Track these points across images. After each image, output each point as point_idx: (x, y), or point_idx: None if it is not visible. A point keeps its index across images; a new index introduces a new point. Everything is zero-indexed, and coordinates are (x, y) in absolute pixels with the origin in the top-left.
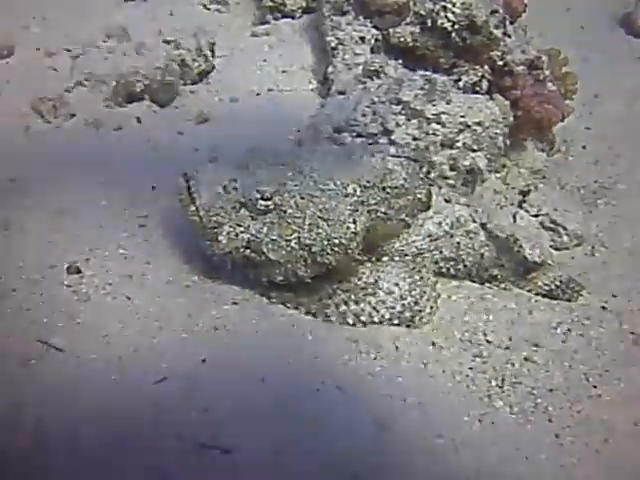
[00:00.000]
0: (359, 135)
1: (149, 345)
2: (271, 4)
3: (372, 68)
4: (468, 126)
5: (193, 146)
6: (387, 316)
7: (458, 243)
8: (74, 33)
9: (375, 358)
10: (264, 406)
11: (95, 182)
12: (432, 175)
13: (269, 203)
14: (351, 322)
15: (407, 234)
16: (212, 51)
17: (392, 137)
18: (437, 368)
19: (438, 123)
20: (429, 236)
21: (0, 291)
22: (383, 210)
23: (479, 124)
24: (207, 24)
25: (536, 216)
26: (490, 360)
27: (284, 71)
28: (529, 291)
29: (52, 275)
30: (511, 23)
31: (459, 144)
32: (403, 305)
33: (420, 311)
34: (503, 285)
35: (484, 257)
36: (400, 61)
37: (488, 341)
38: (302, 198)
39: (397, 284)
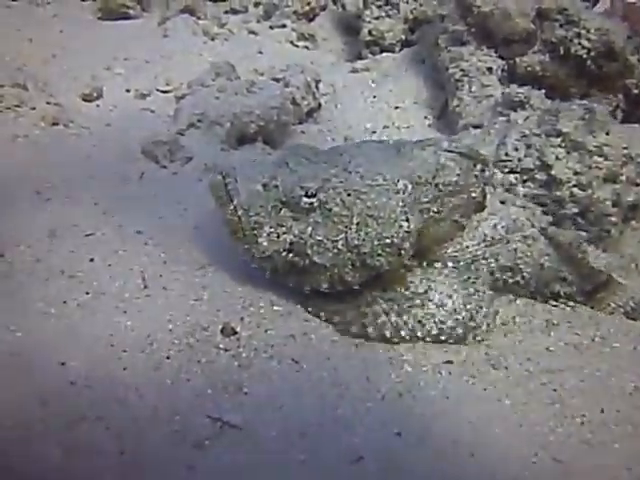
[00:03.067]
0: (512, 171)
1: (333, 417)
2: (369, 38)
3: (516, 99)
4: (631, 158)
5: None
6: (434, 332)
7: (515, 250)
8: (164, 73)
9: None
10: None
11: None
12: (486, 174)
13: (313, 200)
14: (388, 335)
15: (461, 237)
16: (317, 88)
17: (552, 172)
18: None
19: (600, 156)
20: (484, 240)
21: (155, 360)
22: (435, 209)
23: None
24: (298, 61)
25: None
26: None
27: (397, 107)
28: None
29: (206, 338)
30: None
31: (622, 178)
32: (456, 320)
33: (475, 328)
34: (571, 304)
35: (544, 268)
36: (543, 91)
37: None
38: (348, 195)
39: (451, 296)
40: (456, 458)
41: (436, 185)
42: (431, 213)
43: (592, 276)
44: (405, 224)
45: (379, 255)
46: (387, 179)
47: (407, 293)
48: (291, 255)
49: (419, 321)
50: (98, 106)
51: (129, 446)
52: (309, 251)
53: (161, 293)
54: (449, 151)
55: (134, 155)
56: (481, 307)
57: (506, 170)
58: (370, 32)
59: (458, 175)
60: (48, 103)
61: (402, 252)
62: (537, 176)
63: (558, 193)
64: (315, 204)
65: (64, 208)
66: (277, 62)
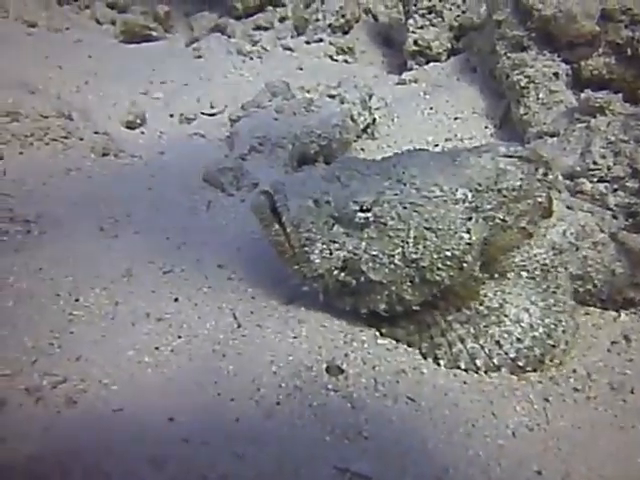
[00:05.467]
0: (601, 180)
1: (466, 459)
2: (415, 48)
3: (596, 105)
4: None
5: None
6: (512, 354)
7: (585, 257)
8: (207, 95)
9: None
10: None
11: None
12: (550, 177)
13: (368, 215)
14: (463, 366)
15: (528, 246)
16: (371, 103)
17: None
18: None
19: None
20: (553, 248)
21: (266, 407)
22: (501, 216)
23: None
24: (340, 75)
25: None
26: None
27: (456, 118)
28: None
29: (312, 378)
30: None
31: None
32: (533, 338)
33: (553, 347)
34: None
35: (616, 274)
36: (620, 95)
37: None
38: (404, 208)
39: (528, 309)
40: None
41: (499, 191)
42: (497, 221)
43: None
44: (466, 235)
45: (439, 269)
46: (444, 190)
47: (482, 309)
48: (344, 274)
49: (497, 342)
50: (143, 133)
51: None
52: (364, 267)
53: (257, 332)
54: (508, 156)
55: (196, 184)
56: (561, 320)
57: (595, 180)
58: (416, 42)
59: (521, 179)
60: (96, 133)
61: (464, 265)
62: (628, 184)
63: None
64: (370, 219)
65: (135, 245)
66: (320, 78)
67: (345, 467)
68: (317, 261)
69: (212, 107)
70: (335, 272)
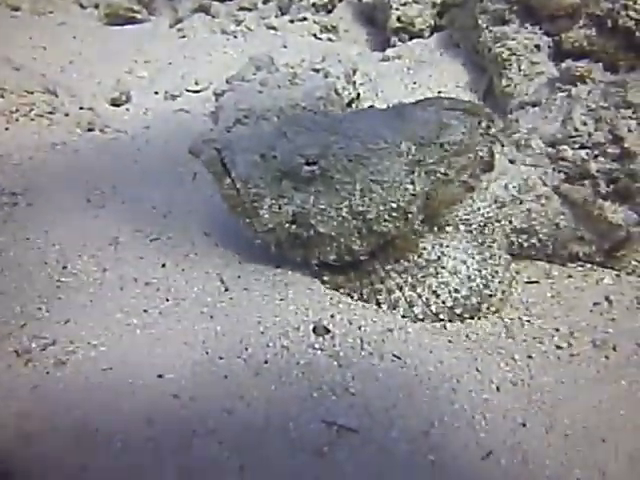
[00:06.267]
0: (583, 146)
1: (451, 412)
2: (398, 25)
3: (577, 73)
4: None
5: None
6: (449, 303)
7: (529, 210)
8: (191, 73)
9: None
10: None
11: None
12: (492, 131)
13: (314, 168)
14: (402, 313)
15: (471, 199)
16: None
17: (625, 145)
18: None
19: None
20: (495, 202)
21: (254, 365)
22: (442, 170)
23: None
24: (324, 53)
25: None
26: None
27: (439, 92)
28: (619, 271)
29: (300, 339)
30: None
31: None
32: (470, 289)
33: (490, 296)
34: (587, 267)
35: (560, 227)
36: (601, 64)
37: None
38: (350, 161)
39: (465, 261)
40: (588, 441)
41: (441, 145)
42: (438, 175)
43: (610, 232)
44: (410, 187)
45: (386, 220)
46: (389, 142)
47: (420, 261)
48: (295, 227)
49: (434, 291)
50: (128, 110)
51: (248, 460)
52: (313, 221)
53: (244, 295)
54: (451, 109)
55: (182, 156)
56: (497, 272)
57: (576, 146)
58: (399, 18)
59: (463, 133)
60: (81, 108)
61: (409, 216)
62: (609, 150)
63: (632, 166)
64: (316, 172)
65: (122, 214)
66: (304, 55)
67: (332, 421)
68: (266, 216)
69: (196, 84)
70: (286, 225)
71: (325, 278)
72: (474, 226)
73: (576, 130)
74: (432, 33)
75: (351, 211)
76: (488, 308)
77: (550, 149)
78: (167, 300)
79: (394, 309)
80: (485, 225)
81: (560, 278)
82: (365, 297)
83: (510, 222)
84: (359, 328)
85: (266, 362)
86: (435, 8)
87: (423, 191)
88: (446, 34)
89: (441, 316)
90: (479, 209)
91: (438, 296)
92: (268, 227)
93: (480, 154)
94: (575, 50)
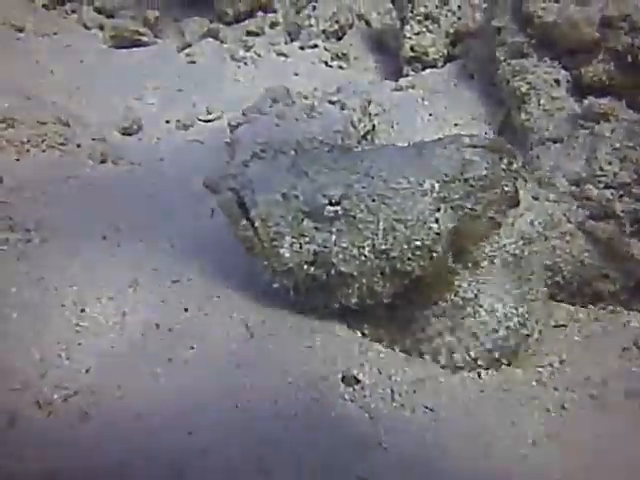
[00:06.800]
0: (608, 186)
1: (487, 467)
2: (411, 54)
3: (600, 111)
4: None
5: None
6: (488, 345)
7: (554, 247)
8: (203, 101)
9: None
10: None
11: None
12: (515, 166)
13: (337, 208)
14: (442, 362)
15: (497, 236)
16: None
17: None
18: None
19: None
20: (523, 238)
21: (284, 418)
22: (469, 206)
23: None
24: (335, 81)
25: None
26: None
27: (456, 124)
28: None
29: (329, 389)
30: None
31: None
32: (507, 329)
33: (527, 336)
34: (611, 307)
35: (585, 265)
36: (624, 102)
37: None
38: (373, 200)
39: (502, 299)
40: None
41: (465, 181)
42: (465, 210)
43: (637, 270)
44: (435, 225)
45: (409, 259)
46: (411, 181)
47: (457, 300)
48: (314, 268)
49: (473, 333)
50: (140, 140)
51: None
52: (334, 260)
53: (269, 341)
54: (472, 146)
55: (198, 191)
56: (534, 308)
57: (601, 185)
58: (412, 48)
59: (487, 169)
60: (94, 139)
61: (434, 255)
62: (634, 190)
63: None
64: (339, 212)
65: (139, 253)
66: (315, 83)
67: (366, 478)
68: (287, 255)
69: (209, 113)
70: (305, 266)
71: (366, 332)
72: (509, 260)
73: (601, 169)
74: (445, 63)
75: (374, 250)
76: (526, 350)
77: (574, 188)
78: (192, 348)
79: (436, 359)
80: (520, 259)
81: (587, 321)
82: (407, 348)
83: (540, 259)
84: (389, 378)
85: (296, 415)
86: (448, 37)
87: (449, 229)
88: (460, 64)
89: (479, 362)
90: (505, 245)
91: (477, 338)
92: (288, 266)
93: (505, 189)
94: (595, 85)
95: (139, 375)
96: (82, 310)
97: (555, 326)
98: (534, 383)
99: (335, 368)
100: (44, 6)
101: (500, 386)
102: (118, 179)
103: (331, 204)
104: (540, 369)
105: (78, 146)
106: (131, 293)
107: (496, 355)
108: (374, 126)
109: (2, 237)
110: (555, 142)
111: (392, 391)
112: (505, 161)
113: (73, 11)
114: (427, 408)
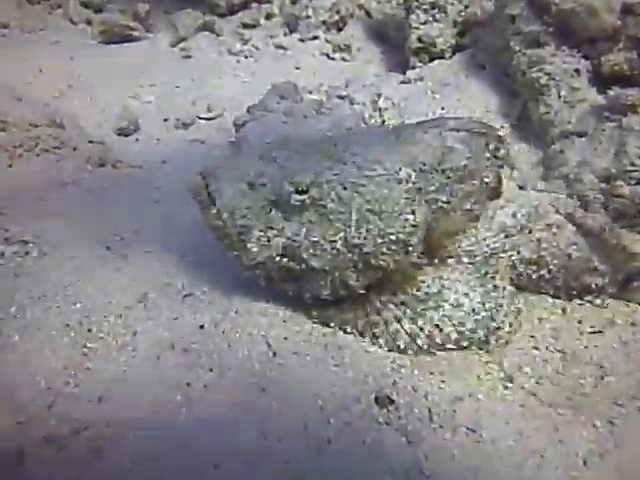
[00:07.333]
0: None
1: None
2: (418, 45)
3: (628, 102)
4: None
5: None
6: (454, 336)
7: (539, 240)
8: (202, 98)
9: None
10: None
11: None
12: (501, 153)
13: (305, 197)
14: (402, 346)
15: (475, 229)
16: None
17: None
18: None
19: None
20: (503, 231)
21: (316, 445)
22: (444, 199)
23: None
24: (340, 75)
25: None
26: None
27: (470, 118)
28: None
29: (362, 412)
30: None
31: None
32: (476, 321)
33: (498, 329)
34: (598, 301)
35: (572, 259)
36: None
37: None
38: (345, 189)
39: (467, 294)
40: None
41: (443, 171)
42: (440, 203)
43: (629, 262)
44: (411, 217)
45: (383, 254)
46: (387, 168)
47: (419, 294)
48: (285, 260)
49: (436, 325)
50: (138, 140)
51: None
52: (305, 255)
53: (294, 360)
54: (456, 130)
55: None
56: (502, 305)
57: (633, 182)
58: (420, 39)
59: (468, 158)
60: (91, 142)
61: (409, 249)
62: None
63: None
64: (307, 201)
65: (147, 265)
66: (319, 77)
67: None
68: (255, 249)
69: (209, 111)
70: (277, 258)
71: (314, 313)
72: (478, 258)
73: (632, 164)
74: (453, 53)
75: (346, 244)
76: (497, 340)
77: (603, 185)
78: (211, 370)
79: (394, 342)
80: (490, 256)
81: (625, 326)
82: (360, 330)
83: (518, 252)
84: (425, 397)
85: (329, 442)
86: (456, 27)
87: (424, 221)
88: (468, 54)
89: (448, 346)
90: (484, 239)
91: (441, 330)
92: (256, 261)
93: (486, 180)
94: (616, 74)
95: (157, 404)
96: (89, 330)
97: (591, 332)
98: (577, 396)
99: (367, 388)
100: (28, 1)
101: (540, 400)
102: (119, 184)
103: (298, 192)
104: (582, 381)
105: (74, 149)
106: (141, 309)
107: (464, 344)
108: (384, 121)
109: None
110: (579, 136)
111: (429, 411)
112: (491, 147)
113: (59, 6)
114: (468, 429)
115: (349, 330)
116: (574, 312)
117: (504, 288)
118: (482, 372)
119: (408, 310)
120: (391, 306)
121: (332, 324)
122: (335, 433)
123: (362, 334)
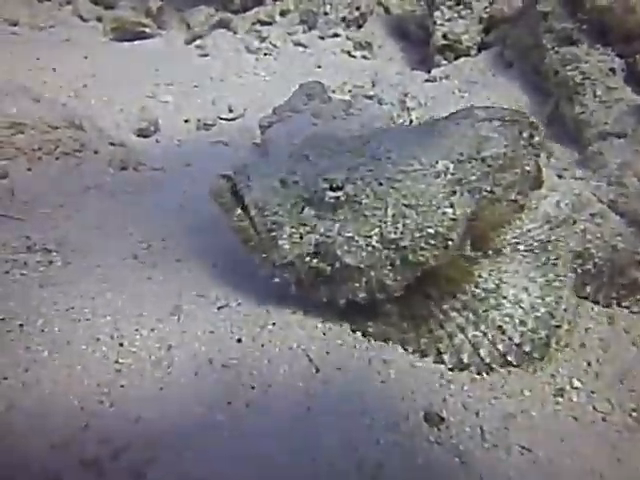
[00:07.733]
0: None
1: None
2: (444, 42)
3: None
4: None
5: None
6: (516, 339)
7: (583, 231)
8: (222, 98)
9: None
10: None
11: None
12: (536, 140)
13: (339, 194)
14: (465, 360)
15: (520, 220)
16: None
17: None
18: None
19: None
20: (548, 222)
21: (368, 470)
22: (488, 188)
23: None
24: (362, 73)
25: None
26: None
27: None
28: None
29: (411, 431)
30: None
31: None
32: (536, 319)
33: (557, 327)
34: (636, 308)
35: (618, 250)
36: None
37: None
38: (380, 184)
39: (526, 288)
40: None
41: (483, 160)
42: (483, 192)
43: None
44: (450, 210)
45: (422, 249)
46: (423, 163)
47: (478, 291)
48: (317, 260)
49: (499, 327)
50: (158, 141)
51: None
52: (338, 251)
53: (338, 377)
54: (488, 120)
55: None
56: (561, 297)
57: None
58: (445, 36)
59: (506, 146)
60: (112, 144)
61: (449, 243)
62: None
63: None
64: (342, 198)
65: (179, 275)
66: (342, 76)
67: None
68: (286, 246)
69: (231, 111)
70: (307, 258)
71: (370, 330)
72: (534, 245)
73: None
74: (479, 51)
75: (382, 239)
76: (557, 343)
77: None
78: (252, 388)
79: (459, 357)
80: (547, 243)
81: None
82: (424, 348)
83: (567, 244)
84: (476, 414)
85: (381, 465)
86: (482, 24)
87: (465, 214)
88: (495, 52)
89: (508, 358)
90: (530, 231)
91: (504, 332)
92: (288, 259)
93: (527, 168)
94: None
95: (198, 425)
96: (120, 344)
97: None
98: (634, 413)
99: (415, 405)
100: None
101: (597, 417)
102: (143, 188)
103: (333, 189)
104: (636, 395)
105: (95, 152)
106: (175, 322)
107: (526, 349)
108: (411, 121)
109: (20, 260)
110: (618, 137)
111: (481, 429)
112: (525, 135)
113: (68, 2)
114: (523, 448)
115: (410, 350)
116: (620, 320)
117: (565, 275)
118: (533, 386)
119: (470, 315)
120: (453, 314)
121: (391, 343)
122: (385, 454)
123: (425, 353)
